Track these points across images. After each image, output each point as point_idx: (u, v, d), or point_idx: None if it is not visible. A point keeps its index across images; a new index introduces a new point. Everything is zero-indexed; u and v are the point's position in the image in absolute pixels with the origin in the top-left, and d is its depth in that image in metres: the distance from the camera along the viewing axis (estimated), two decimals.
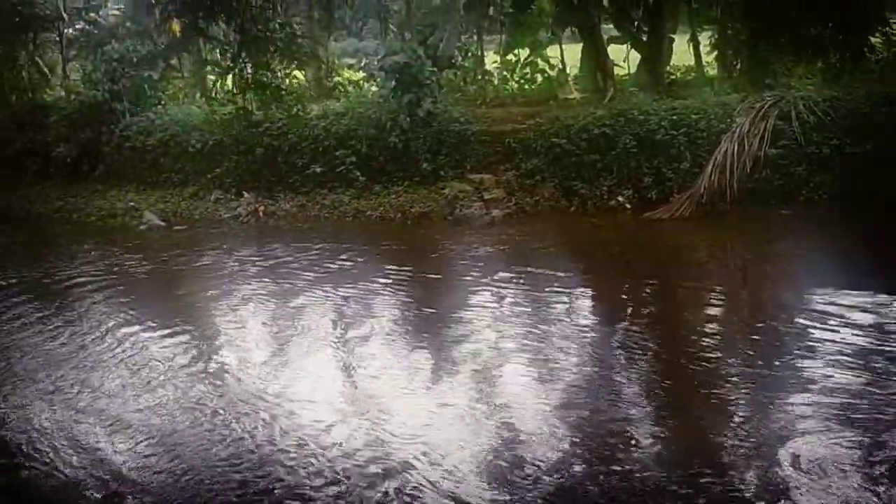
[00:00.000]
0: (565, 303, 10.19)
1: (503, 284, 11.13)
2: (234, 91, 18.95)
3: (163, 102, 20.14)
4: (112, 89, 18.75)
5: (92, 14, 24.72)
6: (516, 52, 21.08)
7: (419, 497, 5.55)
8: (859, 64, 15.85)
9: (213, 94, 20.18)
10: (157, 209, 17.45)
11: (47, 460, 6.42)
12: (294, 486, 5.76)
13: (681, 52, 20.44)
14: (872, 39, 16.24)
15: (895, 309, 8.86)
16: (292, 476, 5.88)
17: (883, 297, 9.15)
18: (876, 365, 7.33)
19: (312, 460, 6.11)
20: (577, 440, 6.26)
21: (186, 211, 17.38)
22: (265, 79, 18.25)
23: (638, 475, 5.68)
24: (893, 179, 13.05)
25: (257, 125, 17.74)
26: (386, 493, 5.61)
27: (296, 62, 19.47)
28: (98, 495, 5.82)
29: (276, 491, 5.73)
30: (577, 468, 5.87)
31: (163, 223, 16.75)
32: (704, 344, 8.53)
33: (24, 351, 9.20)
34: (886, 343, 7.85)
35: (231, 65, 19.11)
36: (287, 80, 19.66)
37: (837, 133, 13.83)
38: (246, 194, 17.38)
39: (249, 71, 18.43)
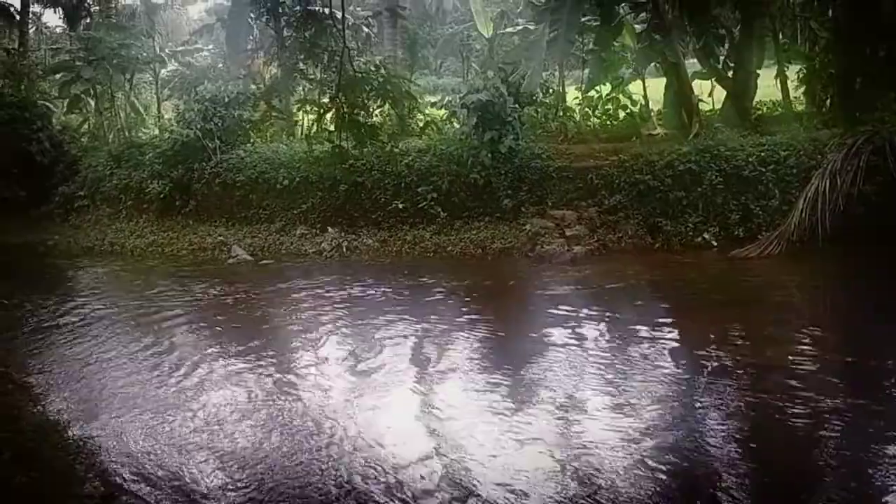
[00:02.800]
0: (649, 344, 9.96)
1: (585, 323, 11.00)
2: (332, 130, 19.46)
3: (252, 141, 20.81)
4: (204, 128, 19.46)
5: (187, 57, 25.92)
6: (598, 88, 21.04)
7: None
8: None
9: (311, 133, 20.74)
10: (245, 244, 17.93)
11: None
12: None
13: (766, 87, 20.06)
14: None
15: None
16: None
17: None
18: None
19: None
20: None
21: (273, 246, 17.79)
22: (360, 118, 18.74)
23: None
24: None
25: (344, 161, 18.15)
26: None
27: (390, 101, 19.89)
28: None
29: None
30: None
31: (250, 257, 17.19)
32: (796, 386, 8.20)
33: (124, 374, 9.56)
34: None
35: (329, 105, 19.68)
36: (381, 119, 20.17)
37: None
38: (330, 230, 17.73)
39: (346, 110, 18.92)
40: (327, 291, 13.76)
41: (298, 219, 18.38)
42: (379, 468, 6.66)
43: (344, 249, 17.01)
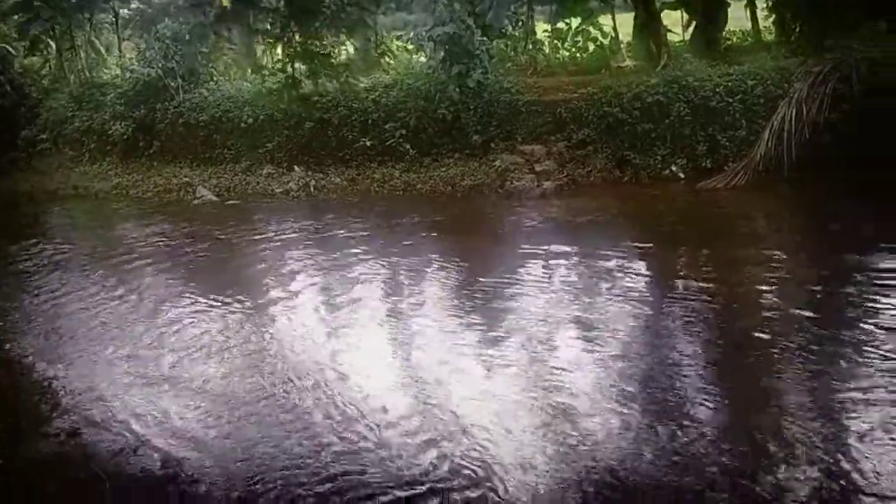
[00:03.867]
0: (620, 276, 10.02)
1: (556, 257, 11.05)
2: (284, 60, 19.01)
3: (215, 79, 20.36)
4: (165, 67, 18.98)
5: None
6: (568, 20, 20.73)
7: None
8: None
9: (263, 65, 20.28)
10: (210, 184, 17.68)
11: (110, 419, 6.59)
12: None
13: (737, 18, 19.89)
14: None
15: None
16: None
17: None
18: None
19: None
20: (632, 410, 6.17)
21: (239, 186, 17.57)
22: (314, 48, 18.30)
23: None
24: None
25: (307, 98, 17.84)
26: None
27: (344, 31, 19.36)
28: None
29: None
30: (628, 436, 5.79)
31: (216, 198, 16.98)
32: (764, 311, 8.34)
33: (94, 314, 9.47)
34: None
35: (280, 33, 19.14)
36: (336, 51, 19.70)
37: None
38: (297, 169, 17.52)
39: (298, 40, 18.47)
40: (296, 231, 13.66)
41: (264, 158, 18.12)
42: (355, 397, 6.69)
43: (311, 189, 16.84)
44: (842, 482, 4.93)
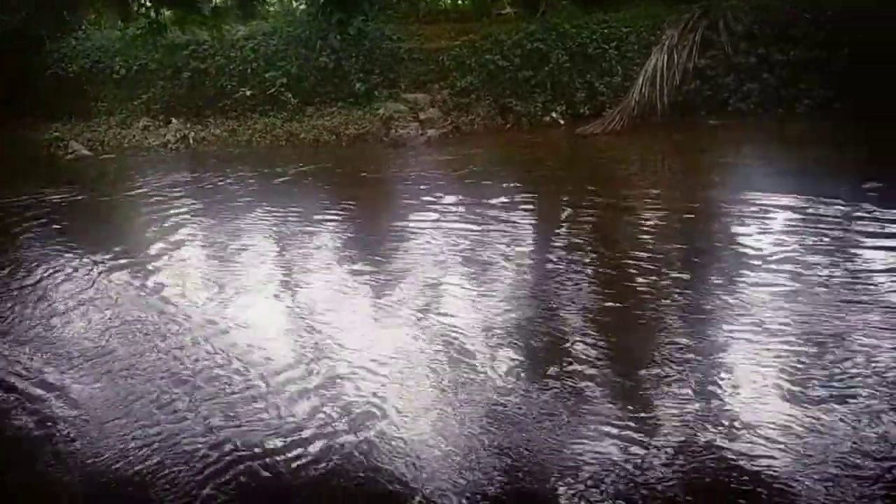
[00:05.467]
0: (505, 224, 10.22)
1: (443, 203, 11.18)
2: (146, 5, 18.16)
3: (83, 28, 19.32)
4: (29, 14, 17.85)
5: None
6: None
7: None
8: None
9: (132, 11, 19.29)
10: (83, 139, 16.91)
11: None
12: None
13: None
14: None
15: (814, 209, 9.19)
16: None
17: (803, 199, 9.49)
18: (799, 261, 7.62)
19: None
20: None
21: (114, 139, 16.88)
22: None
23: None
24: (816, 85, 13.48)
25: (180, 46, 17.18)
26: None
27: None
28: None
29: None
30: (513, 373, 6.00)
31: (90, 153, 16.27)
32: (640, 244, 8.74)
33: None
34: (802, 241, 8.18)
35: None
36: None
37: (764, 42, 13.97)
38: (174, 120, 16.96)
39: None
40: (175, 184, 13.27)
41: (139, 110, 17.45)
42: (238, 348, 6.64)
43: (190, 140, 16.36)
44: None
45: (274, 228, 10.62)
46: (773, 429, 4.80)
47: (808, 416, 4.91)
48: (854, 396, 5.10)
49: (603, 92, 15.06)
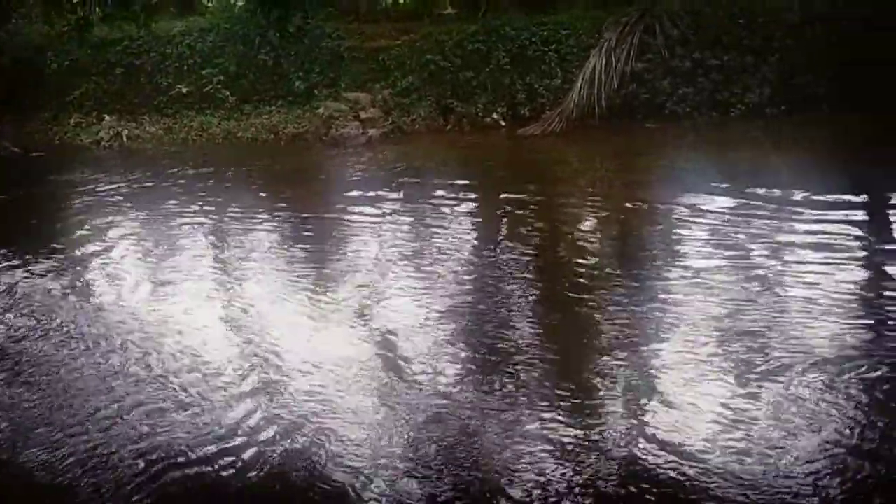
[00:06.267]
0: (447, 223, 10.22)
1: (383, 203, 11.14)
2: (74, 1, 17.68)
3: (14, 20, 18.69)
4: None
5: None
6: None
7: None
8: None
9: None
10: (11, 136, 16.35)
11: None
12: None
13: None
14: None
15: (744, 209, 9.46)
16: None
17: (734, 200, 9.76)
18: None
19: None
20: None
21: (44, 137, 16.41)
22: None
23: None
24: (749, 89, 13.85)
25: (116, 42, 16.75)
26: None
27: None
28: None
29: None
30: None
31: (18, 150, 15.75)
32: (577, 245, 8.86)
33: None
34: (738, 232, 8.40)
35: None
36: None
37: (699, 47, 14.24)
38: (107, 117, 16.54)
39: None
40: (108, 182, 12.94)
41: (71, 106, 16.96)
42: (172, 352, 6.48)
43: (124, 138, 15.98)
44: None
45: (208, 228, 10.44)
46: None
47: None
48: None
49: (543, 94, 15.16)
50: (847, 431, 4.73)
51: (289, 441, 5.07)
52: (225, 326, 7.23)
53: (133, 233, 10.36)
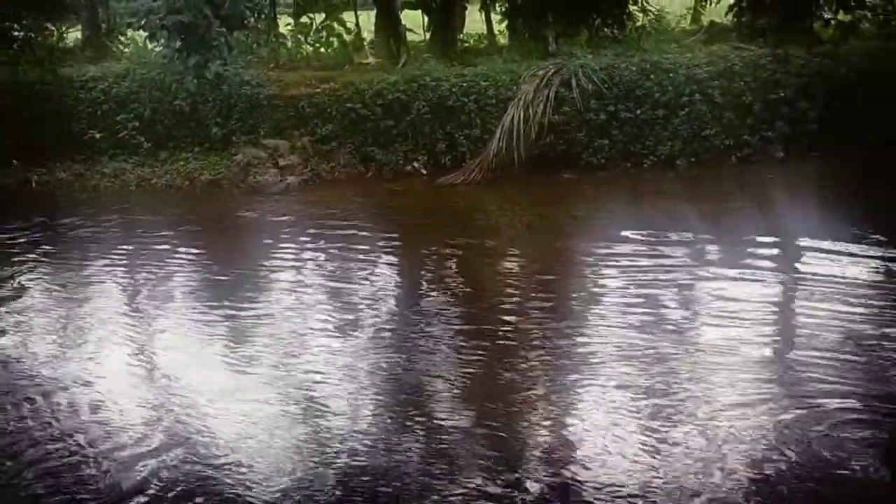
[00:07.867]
0: (364, 271, 10.18)
1: (301, 251, 11.06)
2: None
3: None
4: None
5: None
6: (312, 15, 20.67)
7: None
8: (622, 33, 17.00)
9: None
10: None
11: None
12: None
13: (475, 21, 20.90)
14: (631, 8, 17.61)
15: (657, 252, 9.82)
16: None
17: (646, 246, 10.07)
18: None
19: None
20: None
21: None
22: (12, 33, 16.66)
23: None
24: (661, 142, 14.35)
25: (23, 87, 16.25)
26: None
27: (37, 13, 17.60)
28: None
29: None
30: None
31: None
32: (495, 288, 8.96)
33: None
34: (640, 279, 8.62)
35: None
36: (46, 38, 18.12)
37: (613, 100, 14.66)
38: (15, 162, 15.97)
39: None
40: (16, 230, 12.47)
41: None
42: (76, 406, 6.22)
43: (33, 184, 15.45)
44: None
45: (123, 279, 10.14)
46: None
47: None
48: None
49: (463, 143, 15.31)
50: None
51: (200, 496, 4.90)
52: (133, 379, 7.03)
53: (39, 284, 9.98)
